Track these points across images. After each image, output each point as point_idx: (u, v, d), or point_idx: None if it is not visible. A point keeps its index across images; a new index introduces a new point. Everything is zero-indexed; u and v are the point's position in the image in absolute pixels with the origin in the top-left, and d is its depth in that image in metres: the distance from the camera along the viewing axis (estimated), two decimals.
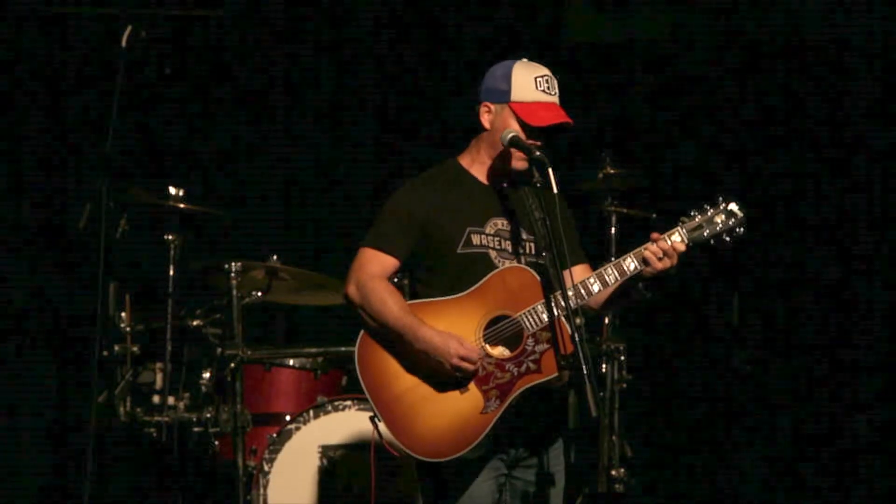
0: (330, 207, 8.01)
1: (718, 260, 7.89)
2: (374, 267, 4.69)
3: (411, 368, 4.63)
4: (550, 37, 8.14)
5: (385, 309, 4.62)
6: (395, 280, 4.93)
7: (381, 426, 4.67)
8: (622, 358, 7.16)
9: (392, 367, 4.64)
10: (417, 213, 4.70)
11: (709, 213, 4.71)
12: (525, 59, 4.77)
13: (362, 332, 4.68)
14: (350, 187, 8.01)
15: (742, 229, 4.72)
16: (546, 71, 4.74)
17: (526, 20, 8.10)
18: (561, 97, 4.75)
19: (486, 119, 4.74)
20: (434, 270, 4.72)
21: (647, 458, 7.72)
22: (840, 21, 8.01)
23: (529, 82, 4.69)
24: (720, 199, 4.73)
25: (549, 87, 4.71)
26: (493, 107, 4.73)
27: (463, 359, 4.55)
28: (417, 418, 4.59)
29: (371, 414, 4.69)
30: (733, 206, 4.72)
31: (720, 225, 4.70)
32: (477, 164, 4.79)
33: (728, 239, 4.72)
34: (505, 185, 4.79)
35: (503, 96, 4.70)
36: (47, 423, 7.69)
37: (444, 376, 4.59)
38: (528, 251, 4.73)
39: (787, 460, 8.01)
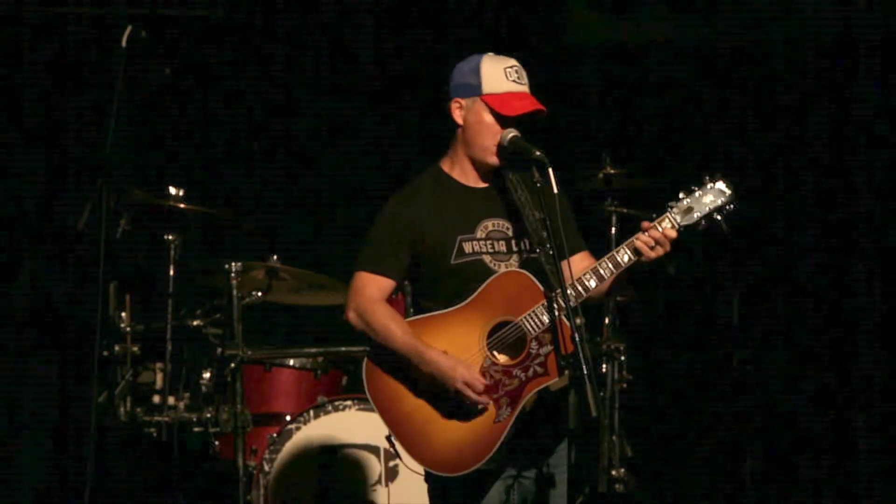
0: (330, 207, 8.01)
1: (718, 258, 7.92)
2: (371, 290, 4.69)
3: (420, 385, 4.63)
4: (551, 37, 8.14)
5: (389, 334, 4.62)
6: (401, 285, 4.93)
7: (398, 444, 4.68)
8: (622, 358, 7.17)
9: (401, 387, 4.64)
10: (405, 232, 4.68)
11: (696, 194, 4.64)
12: (491, 53, 4.74)
13: (366, 358, 4.69)
14: (350, 186, 8.01)
15: (733, 206, 4.64)
16: (514, 62, 4.70)
17: (526, 21, 8.09)
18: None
19: (458, 115, 4.70)
20: (432, 283, 4.71)
21: (648, 458, 7.72)
22: (843, 20, 8.02)
23: (499, 73, 4.65)
24: (706, 177, 4.67)
25: (519, 77, 4.67)
26: (464, 102, 4.69)
27: (467, 384, 4.54)
28: (432, 434, 4.59)
29: (387, 434, 4.68)
30: (721, 185, 4.66)
31: (709, 205, 4.63)
32: (458, 166, 4.76)
33: (720, 218, 4.65)
34: (490, 182, 4.77)
35: (474, 90, 4.66)
36: (47, 422, 7.68)
37: (450, 395, 4.60)
38: (522, 248, 4.71)
39: (787, 460, 8.01)
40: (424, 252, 4.68)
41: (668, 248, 4.60)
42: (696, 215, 4.63)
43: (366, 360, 4.69)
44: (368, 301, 4.66)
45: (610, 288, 4.71)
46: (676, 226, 4.62)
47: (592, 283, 4.62)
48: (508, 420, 4.57)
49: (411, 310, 4.81)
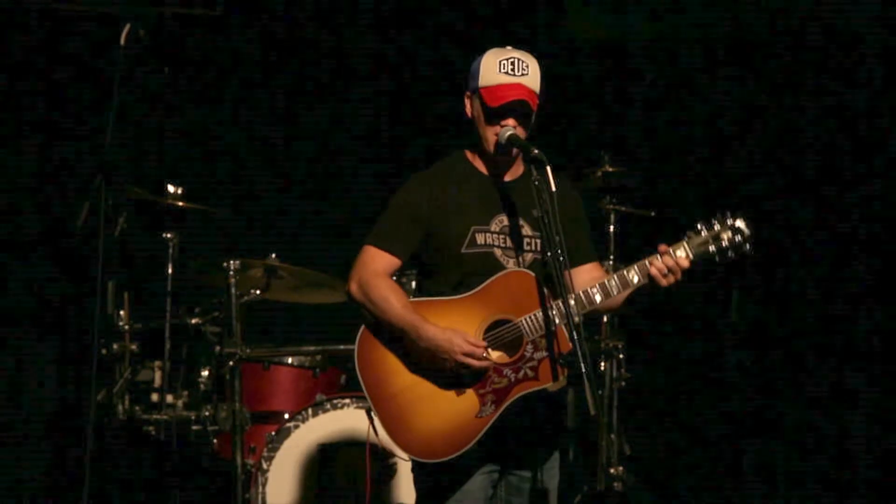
0: (329, 205, 8.01)
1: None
2: (377, 265, 4.70)
3: (411, 367, 4.64)
4: (550, 35, 8.14)
5: (388, 306, 4.64)
6: (399, 278, 4.93)
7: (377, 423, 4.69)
8: (621, 356, 7.17)
9: (391, 365, 4.65)
10: (422, 212, 4.70)
11: (715, 229, 4.67)
12: (502, 47, 4.76)
13: (362, 327, 4.69)
14: (350, 185, 8.01)
15: (749, 246, 4.66)
16: (514, 54, 4.72)
17: (526, 18, 8.10)
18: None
19: (468, 109, 4.78)
20: (440, 267, 4.73)
21: (647, 456, 7.73)
22: (841, 18, 8.02)
23: (493, 66, 4.69)
24: (727, 214, 4.69)
25: (514, 69, 4.69)
26: (471, 96, 4.75)
27: (467, 355, 4.55)
28: (413, 417, 4.60)
29: (367, 407, 4.70)
30: (740, 223, 4.67)
31: (726, 241, 4.65)
32: (478, 157, 4.80)
33: (733, 256, 4.66)
34: (513, 176, 4.79)
35: (474, 84, 4.72)
36: (47, 421, 7.68)
37: (445, 374, 4.60)
38: (533, 248, 4.73)
39: (787, 458, 8.02)
40: (437, 236, 4.71)
41: (679, 276, 4.62)
42: (710, 249, 4.65)
43: (363, 329, 4.69)
44: (372, 274, 4.68)
45: (619, 304, 4.74)
46: (691, 256, 4.63)
47: (598, 299, 4.64)
48: (491, 417, 4.58)
49: (415, 293, 4.81)
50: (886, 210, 7.97)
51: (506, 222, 4.74)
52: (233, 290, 6.55)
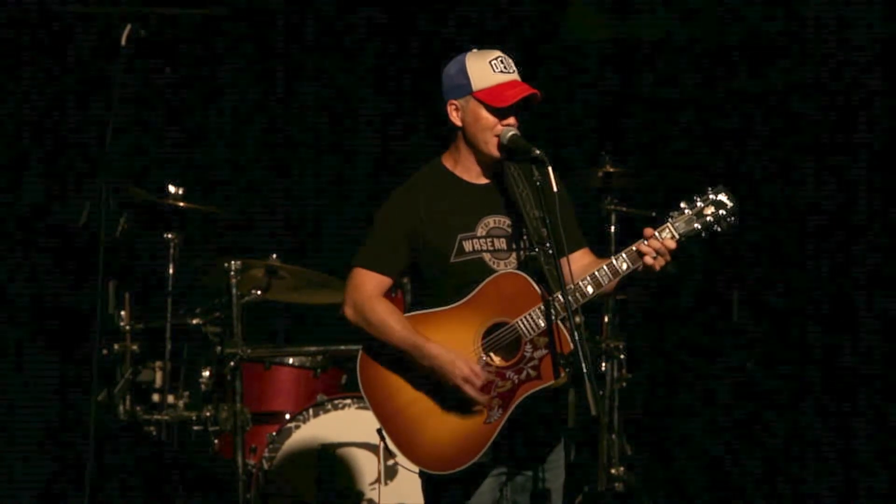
0: (329, 205, 8.01)
1: (718, 257, 7.92)
2: (369, 287, 4.70)
3: (414, 382, 4.63)
4: (550, 35, 8.14)
5: (387, 330, 4.64)
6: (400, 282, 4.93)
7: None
8: (622, 357, 7.18)
9: (394, 382, 4.65)
10: (406, 229, 4.69)
11: (698, 205, 4.64)
12: (475, 49, 4.75)
13: (361, 351, 4.69)
14: (350, 184, 8.01)
15: (734, 218, 4.64)
16: (498, 52, 4.71)
17: (525, 18, 8.10)
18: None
19: (455, 117, 4.73)
20: (431, 280, 4.72)
21: (648, 457, 7.73)
22: (840, 17, 8.03)
23: (485, 67, 4.67)
24: (709, 189, 4.66)
25: (506, 67, 4.69)
26: (458, 103, 4.71)
27: (466, 380, 4.56)
28: (422, 431, 4.61)
29: (378, 427, 4.69)
30: (723, 196, 4.64)
31: (710, 217, 4.62)
32: (460, 164, 4.77)
33: (720, 230, 4.64)
34: (492, 177, 4.77)
35: (465, 90, 4.68)
36: (47, 422, 7.68)
37: (446, 390, 4.60)
38: (522, 245, 4.72)
39: (786, 458, 8.02)
40: (425, 250, 4.70)
41: (668, 258, 4.60)
42: (696, 226, 4.62)
43: (361, 352, 4.69)
44: (366, 297, 4.68)
45: (611, 290, 4.72)
46: (676, 236, 4.61)
47: (590, 290, 4.63)
48: (499, 421, 4.58)
49: (411, 306, 4.81)
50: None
51: (492, 224, 4.73)
52: (234, 291, 6.56)
